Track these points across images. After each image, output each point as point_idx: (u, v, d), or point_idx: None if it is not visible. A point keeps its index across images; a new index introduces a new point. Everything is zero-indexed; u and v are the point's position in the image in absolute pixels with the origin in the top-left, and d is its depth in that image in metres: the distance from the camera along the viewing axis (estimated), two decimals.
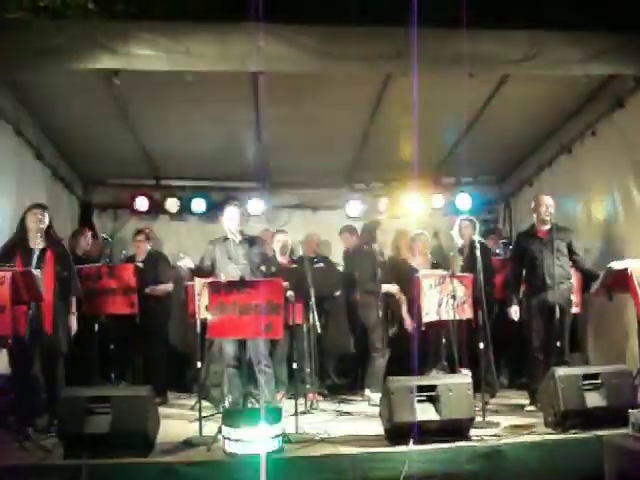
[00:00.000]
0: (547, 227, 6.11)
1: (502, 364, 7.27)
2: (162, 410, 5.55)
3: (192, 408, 6.01)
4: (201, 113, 6.92)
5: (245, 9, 5.35)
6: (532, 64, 5.84)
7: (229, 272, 5.65)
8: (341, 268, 7.61)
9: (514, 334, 6.49)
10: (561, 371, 4.98)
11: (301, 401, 5.97)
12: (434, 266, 6.82)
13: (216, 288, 4.98)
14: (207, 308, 4.93)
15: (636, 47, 5.91)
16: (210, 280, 5.36)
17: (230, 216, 5.86)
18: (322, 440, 4.85)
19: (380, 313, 6.68)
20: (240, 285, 4.98)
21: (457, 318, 6.04)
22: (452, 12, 5.59)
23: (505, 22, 5.70)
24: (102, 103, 6.50)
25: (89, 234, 7.38)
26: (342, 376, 7.39)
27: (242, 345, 5.37)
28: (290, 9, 5.69)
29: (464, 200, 8.90)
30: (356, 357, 7.24)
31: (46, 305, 5.16)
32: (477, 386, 5.18)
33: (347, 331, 7.35)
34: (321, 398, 6.69)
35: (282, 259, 7.08)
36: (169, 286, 7.11)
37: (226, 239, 5.84)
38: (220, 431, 4.53)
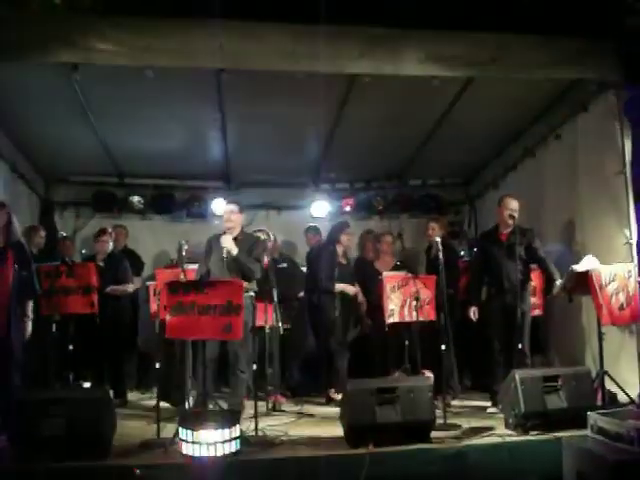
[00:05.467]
0: (509, 230, 6.13)
1: (465, 366, 7.28)
2: (122, 411, 5.47)
3: (152, 409, 5.91)
4: (165, 111, 6.79)
5: (213, 6, 5.27)
6: (498, 67, 5.84)
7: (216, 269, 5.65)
8: (304, 269, 7.55)
9: (477, 336, 6.51)
10: (521, 373, 5.00)
11: (263, 403, 5.92)
12: (398, 267, 6.79)
13: (174, 288, 4.89)
14: (165, 308, 4.85)
15: (598, 52, 5.98)
16: (168, 281, 5.27)
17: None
18: (282, 443, 4.79)
19: (337, 313, 6.64)
20: (199, 285, 4.91)
21: (420, 319, 6.03)
22: (418, 12, 5.57)
23: (472, 23, 5.68)
24: (63, 99, 6.35)
25: (42, 232, 7.21)
26: (306, 377, 7.32)
27: (219, 347, 5.45)
28: (254, 7, 5.63)
29: None
30: (319, 358, 7.18)
31: (0, 306, 5.02)
32: (439, 388, 5.17)
33: (310, 332, 7.29)
34: (284, 400, 6.62)
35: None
36: (129, 287, 6.95)
37: (219, 235, 5.77)
38: (177, 433, 4.45)
